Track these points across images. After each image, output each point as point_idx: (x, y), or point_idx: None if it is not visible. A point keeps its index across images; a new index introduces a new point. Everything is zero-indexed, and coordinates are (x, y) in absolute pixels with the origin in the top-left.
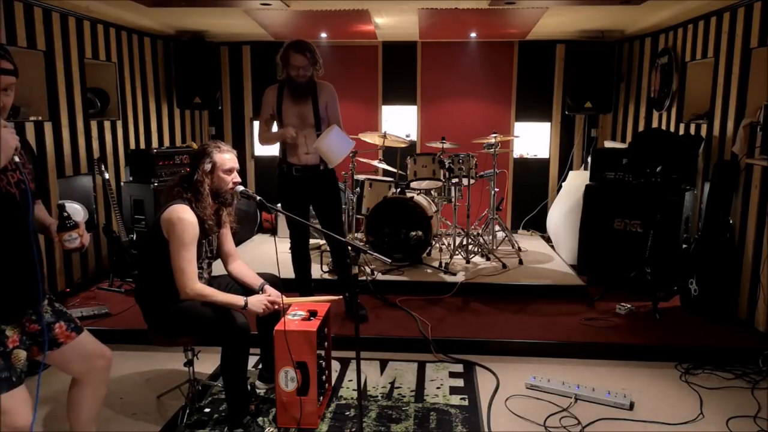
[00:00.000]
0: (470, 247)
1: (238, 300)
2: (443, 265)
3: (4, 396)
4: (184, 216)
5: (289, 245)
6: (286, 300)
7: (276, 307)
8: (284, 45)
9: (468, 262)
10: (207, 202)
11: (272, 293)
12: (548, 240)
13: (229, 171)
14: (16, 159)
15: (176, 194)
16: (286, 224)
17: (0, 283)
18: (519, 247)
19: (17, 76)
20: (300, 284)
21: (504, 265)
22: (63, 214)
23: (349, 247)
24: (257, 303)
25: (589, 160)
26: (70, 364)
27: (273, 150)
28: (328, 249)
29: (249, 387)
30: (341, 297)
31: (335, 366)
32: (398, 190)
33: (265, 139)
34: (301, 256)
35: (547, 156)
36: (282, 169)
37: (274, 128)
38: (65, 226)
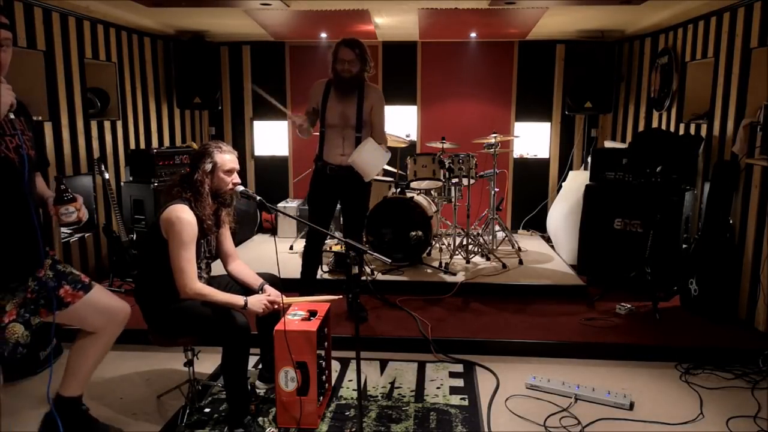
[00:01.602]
0: (470, 247)
1: (238, 300)
2: (443, 265)
3: None
4: (182, 215)
5: (289, 245)
6: (286, 300)
7: (276, 306)
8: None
9: (468, 262)
10: (206, 201)
11: (272, 293)
12: (548, 240)
13: (230, 172)
14: (11, 116)
15: (176, 194)
16: (286, 224)
17: (1, 249)
18: (519, 247)
19: (12, 32)
20: (303, 283)
21: (504, 265)
22: (61, 187)
23: (348, 249)
24: (257, 303)
25: (589, 160)
26: (88, 320)
27: (273, 150)
28: (329, 249)
29: (249, 387)
30: (341, 297)
31: (335, 366)
32: (398, 190)
33: (302, 131)
34: (312, 255)
35: (547, 156)
36: (317, 166)
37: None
38: (63, 199)
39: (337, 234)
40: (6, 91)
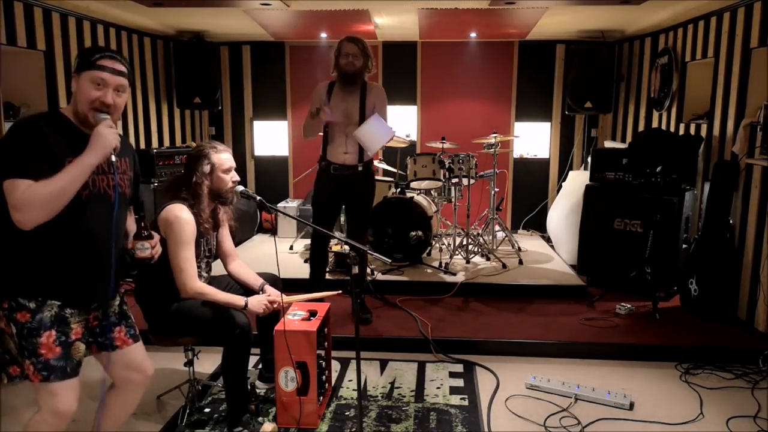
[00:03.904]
0: (470, 247)
1: (238, 300)
2: (443, 265)
3: (56, 383)
4: (180, 215)
5: (289, 245)
6: (286, 299)
7: (276, 306)
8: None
9: (468, 262)
10: (205, 203)
11: (272, 293)
12: (548, 240)
13: (228, 170)
14: (113, 159)
15: (173, 195)
16: (286, 224)
17: (77, 271)
18: (519, 247)
19: (130, 81)
20: (312, 284)
21: (504, 265)
22: (141, 224)
23: (349, 249)
24: (257, 303)
25: (589, 160)
26: (112, 368)
27: (273, 150)
28: (329, 249)
29: (249, 387)
30: (340, 293)
31: (335, 366)
32: (398, 190)
33: (307, 131)
34: (319, 256)
35: (547, 156)
36: (321, 166)
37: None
38: (141, 235)
39: (338, 234)
40: (111, 133)
